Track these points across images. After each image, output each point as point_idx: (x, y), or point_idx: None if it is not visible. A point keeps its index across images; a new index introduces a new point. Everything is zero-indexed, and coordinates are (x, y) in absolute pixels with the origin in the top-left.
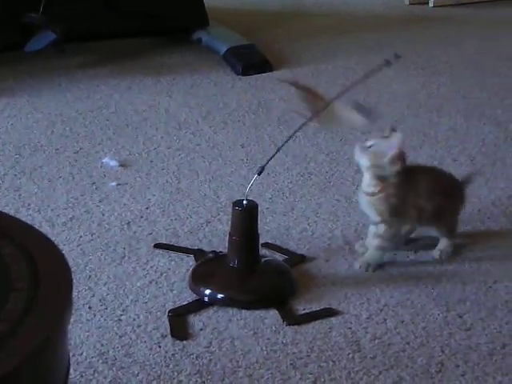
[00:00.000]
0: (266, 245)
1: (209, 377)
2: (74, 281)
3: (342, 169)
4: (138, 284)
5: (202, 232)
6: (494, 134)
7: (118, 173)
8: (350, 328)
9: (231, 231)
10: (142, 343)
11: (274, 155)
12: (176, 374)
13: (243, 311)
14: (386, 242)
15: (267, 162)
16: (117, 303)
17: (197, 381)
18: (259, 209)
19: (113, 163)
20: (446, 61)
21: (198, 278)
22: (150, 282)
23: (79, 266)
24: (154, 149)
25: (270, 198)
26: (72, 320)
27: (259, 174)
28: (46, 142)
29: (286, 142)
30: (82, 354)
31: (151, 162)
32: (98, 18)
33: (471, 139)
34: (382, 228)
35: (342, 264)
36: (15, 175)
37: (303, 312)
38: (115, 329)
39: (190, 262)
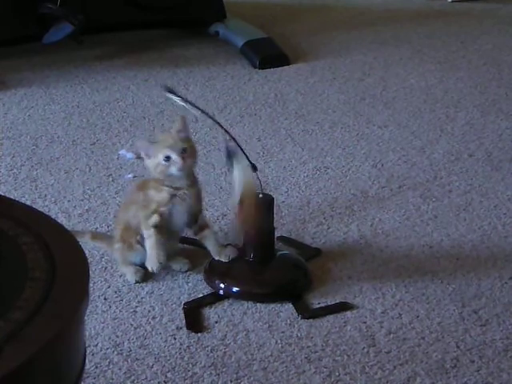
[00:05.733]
0: (282, 238)
1: (223, 369)
2: (90, 272)
3: (358, 163)
4: (154, 276)
5: (218, 225)
6: (511, 130)
7: (134, 165)
8: (365, 322)
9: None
10: (157, 335)
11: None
12: (191, 366)
13: (258, 304)
14: None
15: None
16: (132, 295)
17: (211, 373)
18: (275, 202)
19: (129, 155)
20: (464, 56)
21: (214, 271)
22: (166, 274)
23: (95, 257)
24: None
25: (286, 192)
26: (88, 311)
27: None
28: (63, 133)
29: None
30: (97, 345)
31: None
32: (115, 10)
33: (488, 134)
34: None
35: (357, 258)
36: (32, 166)
37: (318, 306)
38: (130, 320)
39: (205, 255)
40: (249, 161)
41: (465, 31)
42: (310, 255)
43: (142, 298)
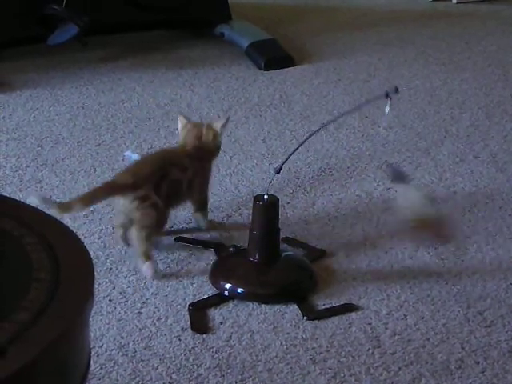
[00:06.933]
0: (287, 239)
1: (228, 370)
2: (95, 273)
3: (363, 164)
4: (159, 277)
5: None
6: None
7: None
8: (370, 324)
9: (252, 226)
10: (161, 336)
11: (291, 154)
12: (196, 367)
13: (263, 305)
14: None
15: (285, 161)
16: (137, 296)
17: (216, 374)
18: (280, 203)
19: (134, 156)
20: (468, 57)
21: (219, 272)
22: (171, 276)
23: (100, 258)
24: (176, 142)
25: (291, 193)
26: (92, 312)
27: (278, 173)
28: (68, 134)
29: (303, 142)
30: (102, 346)
31: None
32: (120, 11)
33: (493, 136)
34: None
35: (362, 259)
36: (37, 167)
37: (323, 307)
38: (135, 321)
39: (210, 255)
40: (280, 166)
41: (469, 32)
42: (315, 256)
43: (146, 299)
